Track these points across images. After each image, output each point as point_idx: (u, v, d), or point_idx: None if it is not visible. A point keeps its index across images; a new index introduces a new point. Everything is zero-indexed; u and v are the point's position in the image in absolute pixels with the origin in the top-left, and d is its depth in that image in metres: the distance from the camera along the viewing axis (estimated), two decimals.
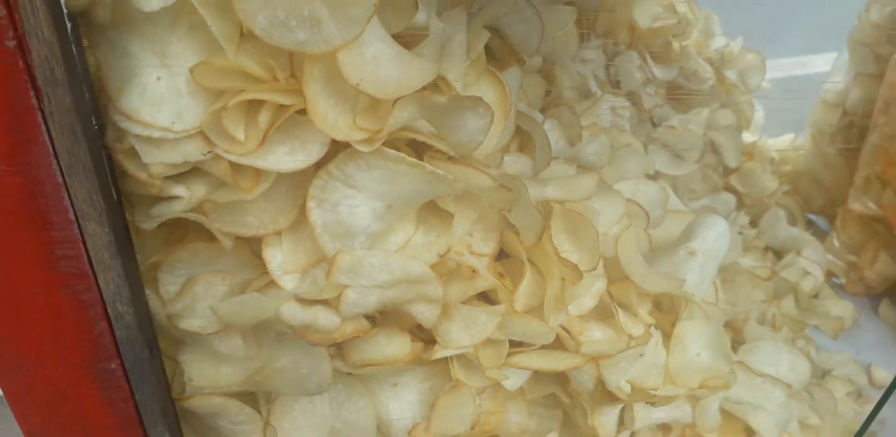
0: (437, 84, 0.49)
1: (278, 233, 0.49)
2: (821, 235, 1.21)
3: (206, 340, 0.51)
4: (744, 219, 1.07)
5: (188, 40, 0.41)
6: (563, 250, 0.55)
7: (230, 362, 0.53)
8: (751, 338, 0.84)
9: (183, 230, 0.51)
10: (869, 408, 0.95)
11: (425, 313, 0.52)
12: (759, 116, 1.21)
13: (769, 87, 1.20)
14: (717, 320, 0.64)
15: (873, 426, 0.95)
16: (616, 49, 1.01)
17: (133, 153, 0.42)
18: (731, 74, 1.10)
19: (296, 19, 0.37)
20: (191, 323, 0.49)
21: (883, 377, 1.02)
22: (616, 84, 0.98)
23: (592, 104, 0.81)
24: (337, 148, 0.45)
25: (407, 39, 0.49)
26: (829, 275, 1.16)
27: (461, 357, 0.57)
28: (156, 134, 0.41)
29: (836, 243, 1.15)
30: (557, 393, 0.64)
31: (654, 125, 0.99)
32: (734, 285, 0.94)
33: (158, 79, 0.41)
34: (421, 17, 0.48)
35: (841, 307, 1.07)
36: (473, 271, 0.53)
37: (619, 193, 0.59)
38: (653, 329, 0.61)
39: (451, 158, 0.48)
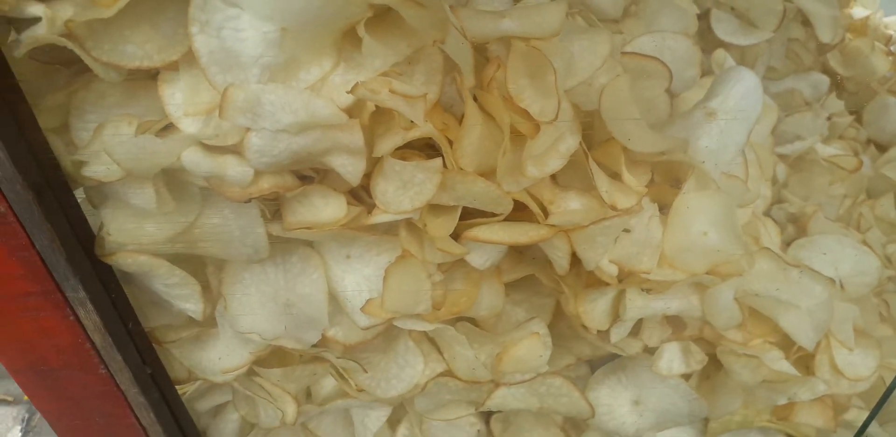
0: None
1: (174, 67, 0.43)
2: None
3: (121, 192, 0.47)
4: (837, 104, 0.90)
5: None
6: (524, 98, 0.46)
7: (153, 217, 0.49)
8: (814, 233, 0.71)
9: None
10: None
11: (347, 168, 0.45)
12: None
13: None
14: (736, 195, 0.53)
15: None
16: None
17: None
18: None
19: None
20: (94, 170, 0.45)
21: None
22: None
23: None
24: None
25: None
26: None
27: (409, 226, 0.51)
28: None
29: None
30: (539, 275, 0.56)
31: None
32: (808, 176, 0.80)
33: None
34: None
35: None
36: (412, 121, 0.45)
37: (606, 32, 0.48)
38: (647, 202, 0.51)
39: None
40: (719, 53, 0.75)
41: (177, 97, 0.44)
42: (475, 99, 0.46)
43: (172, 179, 0.47)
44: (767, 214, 0.74)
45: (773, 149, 0.72)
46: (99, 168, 0.45)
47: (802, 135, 0.84)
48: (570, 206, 0.49)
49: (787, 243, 0.69)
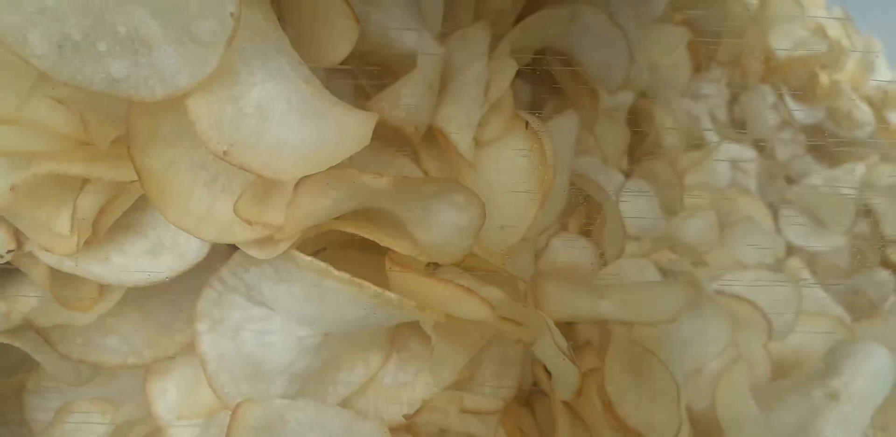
0: (439, 138, 0.31)
1: (169, 357, 0.33)
2: None
3: None
4: None
5: None
6: (625, 402, 0.35)
7: None
8: None
9: None
10: None
11: None
12: None
13: None
14: None
15: None
16: (744, 82, 0.79)
17: None
18: None
19: (105, 40, 0.21)
20: None
21: None
22: (741, 126, 0.77)
23: (705, 156, 0.61)
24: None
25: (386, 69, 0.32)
26: None
27: None
28: None
29: None
30: None
31: (791, 182, 0.77)
32: (891, 417, 0.69)
33: None
34: (407, 37, 0.31)
35: None
36: None
37: (724, 311, 0.39)
38: None
39: (428, 266, 0.29)
40: (795, 265, 0.66)
41: (170, 395, 0.33)
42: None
43: None
44: None
45: None
46: None
47: None
48: None
49: None
